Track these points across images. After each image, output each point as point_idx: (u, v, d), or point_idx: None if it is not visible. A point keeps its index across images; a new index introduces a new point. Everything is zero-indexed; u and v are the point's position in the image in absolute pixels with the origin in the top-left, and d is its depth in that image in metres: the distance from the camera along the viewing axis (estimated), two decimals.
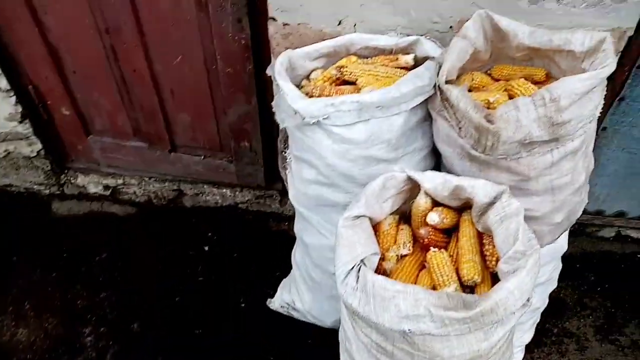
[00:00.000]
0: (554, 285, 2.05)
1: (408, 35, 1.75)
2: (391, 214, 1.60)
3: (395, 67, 1.74)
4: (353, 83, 1.72)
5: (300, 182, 1.80)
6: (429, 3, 1.69)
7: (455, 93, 1.41)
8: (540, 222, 1.61)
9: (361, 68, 1.71)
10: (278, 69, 1.66)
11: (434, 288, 1.43)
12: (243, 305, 2.45)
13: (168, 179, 2.83)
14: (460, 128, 1.48)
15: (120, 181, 2.90)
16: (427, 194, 1.52)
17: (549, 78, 1.65)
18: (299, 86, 1.87)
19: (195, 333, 2.35)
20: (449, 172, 1.68)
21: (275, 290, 2.39)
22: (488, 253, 1.46)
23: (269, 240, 2.71)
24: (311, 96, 1.69)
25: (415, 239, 1.57)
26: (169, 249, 2.69)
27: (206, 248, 2.70)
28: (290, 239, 2.18)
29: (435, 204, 1.56)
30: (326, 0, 1.73)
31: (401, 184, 1.52)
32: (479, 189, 1.42)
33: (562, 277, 2.08)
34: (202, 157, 2.61)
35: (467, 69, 1.68)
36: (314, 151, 1.65)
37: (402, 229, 1.60)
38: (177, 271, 2.58)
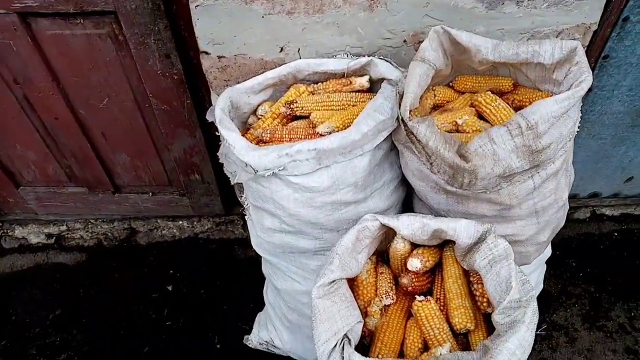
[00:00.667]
0: (540, 287, 1.98)
1: (358, 56, 1.57)
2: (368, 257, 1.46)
3: (350, 92, 1.56)
4: (306, 117, 1.55)
5: (263, 231, 1.62)
6: (377, 19, 1.50)
7: (422, 130, 1.25)
8: (526, 244, 1.51)
9: (313, 100, 1.52)
10: (219, 116, 1.45)
11: (425, 342, 1.31)
12: (218, 346, 2.29)
13: (117, 219, 2.60)
14: (431, 163, 1.33)
15: (63, 227, 2.65)
16: (404, 238, 1.38)
17: (517, 87, 1.52)
18: (245, 124, 1.67)
19: None
20: (423, 202, 1.55)
21: (251, 325, 2.23)
22: (478, 293, 1.34)
23: (236, 270, 2.53)
24: (260, 140, 1.50)
25: (397, 280, 1.44)
26: (129, 294, 2.47)
27: (169, 287, 2.50)
28: (260, 265, 2.00)
29: (414, 245, 1.42)
30: (262, 28, 1.51)
31: (375, 232, 1.36)
32: (461, 231, 1.28)
33: None
34: (150, 194, 2.39)
35: (428, 85, 1.52)
36: (273, 201, 1.47)
37: (381, 273, 1.46)
38: (142, 318, 2.38)
